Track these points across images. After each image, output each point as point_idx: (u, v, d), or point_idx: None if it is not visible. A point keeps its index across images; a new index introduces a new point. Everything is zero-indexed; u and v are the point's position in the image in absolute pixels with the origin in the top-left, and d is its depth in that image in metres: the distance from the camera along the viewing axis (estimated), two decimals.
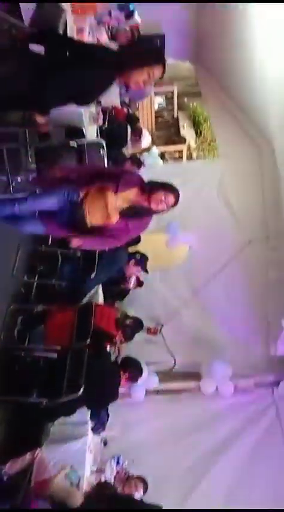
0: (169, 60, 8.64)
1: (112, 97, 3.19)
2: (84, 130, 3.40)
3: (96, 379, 3.16)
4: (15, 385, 3.23)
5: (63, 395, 3.00)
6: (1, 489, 2.63)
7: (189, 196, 6.24)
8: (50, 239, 3.90)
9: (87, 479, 3.36)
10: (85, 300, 4.01)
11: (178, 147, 10.34)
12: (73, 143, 3.33)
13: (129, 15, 5.09)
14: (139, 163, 5.84)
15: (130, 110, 6.27)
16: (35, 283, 3.94)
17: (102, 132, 4.41)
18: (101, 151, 3.45)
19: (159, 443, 4.33)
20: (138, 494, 3.54)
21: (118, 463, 3.92)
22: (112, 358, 3.92)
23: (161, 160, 7.88)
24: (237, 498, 4.02)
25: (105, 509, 2.86)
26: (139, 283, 4.78)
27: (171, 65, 9.91)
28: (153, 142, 7.96)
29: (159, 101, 10.40)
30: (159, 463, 4.13)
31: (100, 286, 4.28)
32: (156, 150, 7.68)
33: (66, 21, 3.24)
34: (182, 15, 7.24)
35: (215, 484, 4.13)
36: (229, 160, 6.65)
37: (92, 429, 3.72)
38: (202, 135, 11.05)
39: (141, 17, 5.85)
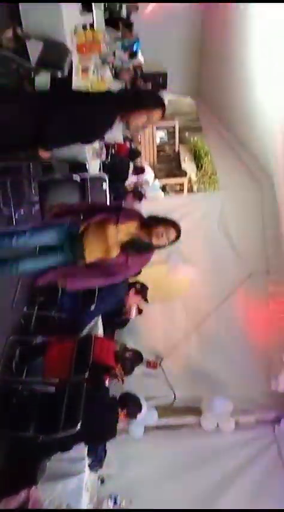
0: (171, 96, 8.93)
1: (115, 133, 3.27)
2: (87, 165, 3.47)
3: (94, 414, 3.11)
4: (11, 419, 3.17)
5: (60, 431, 2.94)
6: None
7: (190, 228, 6.28)
8: None
9: None
10: (84, 332, 3.98)
11: (179, 180, 10.52)
12: (76, 177, 3.39)
13: (133, 55, 5.27)
14: (140, 196, 5.94)
15: (132, 145, 6.41)
16: (35, 314, 3.93)
17: (104, 166, 4.50)
18: (104, 185, 3.51)
19: (158, 481, 4.20)
20: None
21: (115, 502, 3.79)
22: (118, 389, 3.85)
23: (162, 193, 8.00)
24: None
25: None
26: (139, 311, 4.76)
27: (172, 101, 10.24)
28: (155, 176, 8.11)
29: (160, 135, 10.66)
30: (158, 502, 3.99)
31: (100, 317, 4.26)
32: (157, 183, 7.80)
33: (72, 60, 3.36)
34: (184, 53, 7.53)
35: None
36: (229, 194, 6.74)
37: (89, 466, 3.62)
38: (203, 168, 11.26)
39: (145, 55, 6.09)
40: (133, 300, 4.51)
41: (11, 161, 3.28)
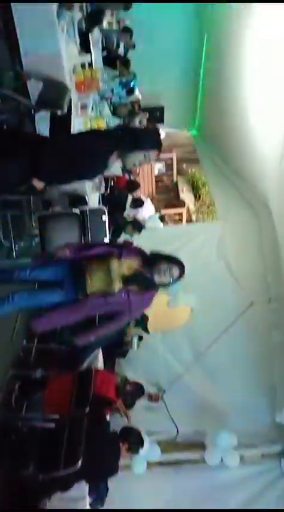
0: (168, 129, 9.15)
1: (113, 168, 3.34)
2: (86, 198, 3.53)
3: (95, 451, 3.04)
4: (10, 456, 3.10)
5: (61, 469, 2.86)
6: None
7: (190, 257, 6.31)
8: None
9: None
10: (85, 365, 3.94)
11: (178, 210, 10.62)
12: (76, 210, 3.44)
13: (130, 91, 5.44)
14: (140, 227, 5.99)
15: (131, 177, 6.52)
16: (34, 347, 3.90)
17: (104, 198, 4.57)
18: (103, 218, 3.55)
19: None
20: None
21: None
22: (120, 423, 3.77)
23: (161, 223, 8.06)
24: None
25: None
26: (139, 338, 4.74)
27: (169, 133, 10.47)
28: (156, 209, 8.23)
29: (159, 166, 10.84)
30: None
31: (100, 349, 4.22)
32: (156, 214, 7.88)
33: (71, 98, 3.47)
34: (180, 89, 7.78)
35: None
36: (227, 223, 6.81)
37: (90, 505, 3.51)
38: (201, 198, 11.39)
39: (142, 90, 6.29)
40: (133, 332, 4.49)
41: (12, 195, 3.33)
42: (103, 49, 4.83)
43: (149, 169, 9.93)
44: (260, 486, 4.23)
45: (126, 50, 6.31)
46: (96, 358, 4.11)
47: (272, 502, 4.13)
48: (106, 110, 4.63)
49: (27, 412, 3.36)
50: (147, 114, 6.24)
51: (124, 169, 6.04)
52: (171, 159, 11.04)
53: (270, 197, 4.88)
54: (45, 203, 3.72)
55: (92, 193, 3.84)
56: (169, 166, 11.14)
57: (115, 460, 3.31)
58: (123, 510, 3.59)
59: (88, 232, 3.58)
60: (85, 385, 3.36)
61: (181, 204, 10.86)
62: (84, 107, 3.75)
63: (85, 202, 3.58)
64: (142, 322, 4.68)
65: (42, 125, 3.42)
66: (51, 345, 3.87)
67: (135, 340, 4.80)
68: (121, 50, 6.14)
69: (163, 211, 9.72)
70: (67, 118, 3.38)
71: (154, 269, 2.55)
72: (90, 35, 4.14)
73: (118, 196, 5.37)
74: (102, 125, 3.93)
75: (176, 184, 11.46)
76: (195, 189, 11.66)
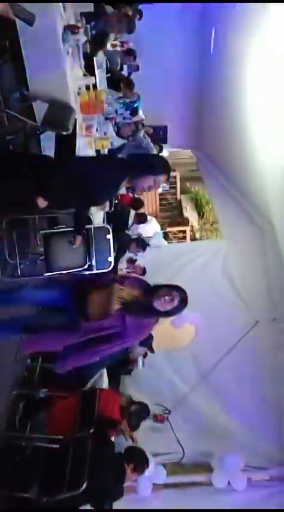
0: (171, 149, 9.25)
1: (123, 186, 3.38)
2: (91, 217, 3.55)
3: (100, 472, 2.98)
4: (13, 478, 3.04)
5: (65, 491, 2.81)
6: None
7: (194, 275, 6.32)
8: None
9: None
10: (89, 385, 3.90)
11: (182, 228, 10.66)
12: None
13: (134, 112, 5.52)
14: (144, 244, 6.00)
15: (135, 195, 6.57)
16: (39, 367, 3.87)
17: (108, 216, 4.60)
18: (107, 236, 3.57)
19: None
20: None
21: None
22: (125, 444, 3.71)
23: (165, 241, 8.08)
24: None
25: None
26: (144, 355, 4.70)
27: (173, 152, 10.58)
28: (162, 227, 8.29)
29: (162, 185, 10.93)
30: None
31: (105, 369, 4.18)
32: (160, 232, 7.91)
33: (76, 119, 3.52)
34: (184, 109, 7.90)
35: None
36: (232, 241, 6.82)
37: None
38: (205, 216, 11.44)
39: (146, 110, 6.39)
40: (138, 352, 4.46)
41: (17, 214, 3.35)
42: (107, 71, 4.92)
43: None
44: (269, 510, 4.13)
45: (130, 72, 6.44)
46: (100, 378, 4.07)
47: None
48: (111, 131, 4.70)
49: (31, 432, 3.32)
50: (151, 130, 6.32)
51: (129, 188, 6.10)
52: (175, 177, 11.13)
53: (274, 214, 4.88)
54: (50, 221, 3.74)
55: (97, 212, 3.87)
56: (172, 184, 11.23)
57: (120, 482, 3.25)
58: (123, 510, 3.48)
59: (92, 251, 3.59)
60: (90, 406, 3.33)
61: (185, 222, 10.91)
62: (88, 128, 3.80)
63: (90, 221, 3.60)
64: (147, 341, 4.65)
65: (48, 145, 3.47)
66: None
67: (140, 359, 4.76)
68: (125, 72, 6.26)
69: (168, 229, 9.78)
70: (72, 139, 3.43)
71: (154, 296, 2.53)
72: (94, 57, 4.23)
73: (121, 211, 5.41)
74: (107, 144, 3.98)
75: (180, 203, 11.54)
76: (199, 207, 11.73)
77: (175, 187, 11.39)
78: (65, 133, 3.21)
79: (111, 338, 2.54)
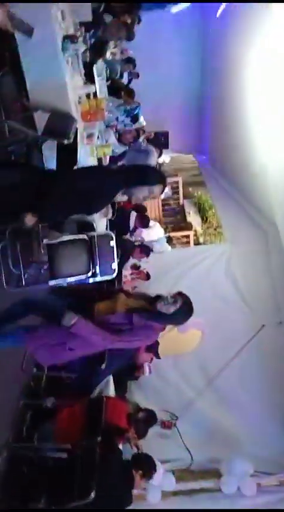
0: (173, 154, 9.29)
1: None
2: (94, 225, 3.56)
3: (108, 481, 2.97)
4: (22, 489, 3.04)
5: (74, 501, 2.80)
6: None
7: (198, 280, 6.31)
8: None
9: None
10: (96, 393, 3.89)
11: (185, 232, 10.67)
12: (83, 236, 3.47)
13: (135, 119, 5.55)
14: (147, 250, 6.01)
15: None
16: (45, 375, 3.87)
17: (111, 224, 4.61)
18: (111, 243, 3.58)
19: None
20: None
21: None
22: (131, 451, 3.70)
23: (169, 247, 8.09)
24: None
25: None
26: (150, 361, 4.70)
27: (174, 158, 10.62)
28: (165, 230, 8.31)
29: (165, 190, 10.96)
30: None
31: (111, 376, 4.17)
32: (163, 237, 7.93)
33: (77, 128, 3.54)
34: (185, 114, 7.93)
35: None
36: (235, 244, 6.81)
37: None
38: (208, 221, 11.44)
39: (147, 116, 6.42)
40: (144, 358, 4.44)
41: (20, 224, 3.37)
42: (107, 79, 4.95)
43: None
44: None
45: (130, 79, 6.48)
46: (106, 385, 4.06)
47: None
48: (112, 138, 4.72)
49: (38, 441, 3.31)
50: (152, 134, 6.34)
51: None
52: (177, 182, 11.16)
53: (277, 215, 4.87)
54: (53, 229, 3.76)
55: (100, 219, 3.88)
56: (175, 189, 11.25)
57: (129, 490, 3.23)
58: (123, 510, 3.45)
59: (96, 258, 3.59)
60: (97, 414, 3.32)
61: (189, 226, 10.92)
62: (90, 136, 3.82)
63: (93, 229, 3.61)
64: (153, 347, 4.64)
65: (49, 154, 3.49)
66: (61, 373, 3.83)
67: (146, 365, 4.75)
68: (125, 79, 6.31)
69: (171, 234, 9.79)
70: (74, 147, 3.45)
71: (158, 300, 2.66)
72: (94, 66, 4.26)
73: (121, 215, 5.43)
74: (108, 152, 4.00)
75: (183, 208, 11.55)
76: (202, 212, 11.75)
77: (178, 193, 11.41)
78: (66, 142, 3.23)
79: (121, 332, 2.59)
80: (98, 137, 4.06)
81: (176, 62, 7.45)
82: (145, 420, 3.82)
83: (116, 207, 5.41)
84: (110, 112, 4.63)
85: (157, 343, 4.67)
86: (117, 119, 5.07)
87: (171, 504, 4.26)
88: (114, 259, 3.74)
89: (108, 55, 5.04)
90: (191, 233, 10.66)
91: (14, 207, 2.48)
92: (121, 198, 2.62)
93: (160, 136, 7.80)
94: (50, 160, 3.48)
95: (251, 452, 4.34)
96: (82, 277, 3.51)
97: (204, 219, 11.61)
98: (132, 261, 6.19)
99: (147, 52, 6.73)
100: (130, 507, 3.33)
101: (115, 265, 3.75)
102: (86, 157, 3.78)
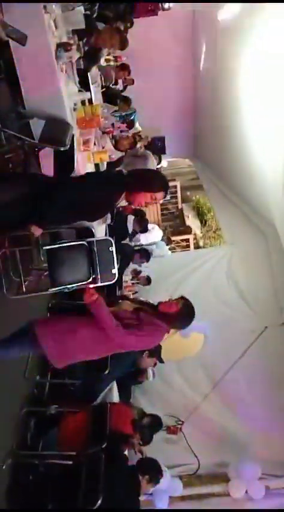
0: (170, 158, 9.31)
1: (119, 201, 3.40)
2: (93, 231, 3.56)
3: (114, 487, 2.94)
4: (28, 498, 3.01)
5: (80, 508, 2.77)
6: None
7: (200, 283, 6.31)
8: None
9: None
10: (99, 399, 3.87)
11: (185, 236, 10.68)
12: (83, 242, 3.47)
13: (131, 125, 5.56)
14: (147, 255, 6.00)
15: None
16: (48, 383, 3.85)
17: (110, 229, 4.61)
18: (110, 248, 3.57)
19: None
20: None
21: None
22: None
23: (169, 251, 8.09)
24: None
25: None
26: (154, 364, 4.68)
27: (171, 162, 10.65)
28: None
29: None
30: None
31: (115, 383, 4.15)
32: (163, 242, 7.92)
33: (73, 134, 3.54)
34: (180, 118, 7.96)
35: None
36: (235, 246, 6.81)
37: None
38: (207, 224, 11.46)
39: (143, 121, 6.44)
40: (147, 363, 4.42)
41: (20, 232, 3.37)
42: (102, 87, 4.97)
43: None
44: None
45: (125, 86, 6.51)
46: (110, 392, 4.04)
47: None
48: (109, 144, 4.73)
49: (43, 449, 3.29)
50: (148, 140, 6.35)
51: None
52: (175, 187, 11.19)
53: (275, 217, 4.87)
54: (52, 237, 3.75)
55: (99, 225, 3.88)
56: (173, 194, 11.28)
57: (136, 495, 3.20)
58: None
59: (96, 264, 3.59)
60: (101, 420, 3.29)
61: (188, 230, 10.93)
62: (86, 142, 3.82)
63: (92, 235, 3.61)
64: (156, 350, 4.62)
65: (47, 162, 3.49)
66: (65, 380, 3.82)
67: (150, 370, 4.73)
68: (119, 86, 6.33)
69: (171, 238, 9.80)
70: (70, 154, 3.45)
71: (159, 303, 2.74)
72: (88, 73, 4.27)
73: (119, 219, 5.43)
74: (105, 158, 4.00)
75: (181, 212, 11.58)
76: (201, 215, 11.76)
77: (176, 197, 11.43)
78: (62, 149, 3.23)
79: (128, 326, 2.59)
80: (95, 143, 4.06)
81: (170, 66, 7.51)
82: (150, 426, 3.80)
83: (115, 212, 5.41)
84: (106, 118, 4.64)
85: (160, 348, 4.65)
86: (112, 125, 5.08)
87: (179, 510, 4.24)
88: (114, 264, 3.73)
89: (102, 62, 5.06)
90: (191, 237, 10.67)
91: (16, 220, 2.49)
92: (122, 203, 2.61)
93: (157, 141, 7.82)
94: (48, 167, 3.48)
95: (258, 455, 4.32)
96: (83, 283, 3.51)
97: (203, 222, 11.63)
98: (132, 266, 6.18)
99: (141, 57, 6.78)
100: None
101: (115, 271, 3.74)
102: (83, 164, 3.78)
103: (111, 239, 3.70)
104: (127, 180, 2.63)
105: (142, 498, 3.44)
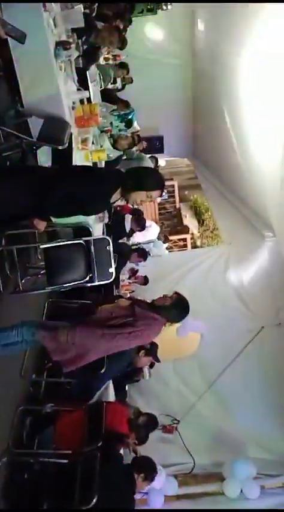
0: (168, 158, 9.31)
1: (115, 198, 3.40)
2: (91, 230, 3.56)
3: (110, 486, 2.94)
4: (23, 496, 3.01)
5: (75, 507, 2.78)
6: None
7: (197, 283, 6.31)
8: None
9: None
10: (95, 398, 3.87)
11: (182, 236, 10.70)
12: (80, 241, 3.47)
13: (129, 124, 5.56)
14: (145, 254, 6.01)
15: (134, 205, 6.58)
16: (44, 381, 3.85)
17: (107, 227, 4.61)
18: (107, 248, 3.57)
19: None
20: None
21: None
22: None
23: (166, 250, 8.09)
24: None
25: None
26: (151, 365, 4.67)
27: (170, 161, 10.65)
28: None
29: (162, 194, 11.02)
30: None
31: (111, 381, 4.15)
32: (160, 241, 7.93)
33: (71, 133, 3.55)
34: (179, 118, 7.96)
35: None
36: (232, 246, 6.81)
37: None
38: (205, 223, 11.48)
39: (141, 121, 6.44)
40: (143, 362, 4.42)
41: (17, 229, 3.37)
42: (101, 85, 4.97)
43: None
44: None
45: (124, 85, 6.51)
46: (106, 391, 4.04)
47: None
48: (107, 143, 4.72)
49: (38, 448, 3.29)
50: (144, 144, 6.35)
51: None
52: (173, 186, 11.20)
53: (272, 217, 4.88)
54: (50, 235, 3.75)
55: (96, 224, 3.88)
56: (171, 193, 11.29)
57: (131, 494, 3.21)
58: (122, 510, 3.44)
59: (93, 263, 3.59)
60: (97, 419, 3.29)
61: (185, 229, 10.95)
62: (84, 141, 3.82)
63: (90, 234, 3.61)
64: (152, 349, 4.62)
65: (45, 160, 3.49)
66: (61, 379, 3.82)
67: (146, 369, 4.72)
68: (118, 85, 6.33)
69: (168, 237, 9.82)
70: (68, 152, 3.45)
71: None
72: (87, 72, 4.27)
73: (116, 218, 5.44)
74: (103, 156, 4.00)
75: (179, 211, 11.59)
76: (198, 215, 11.78)
77: (174, 196, 11.44)
78: (60, 147, 3.23)
79: (123, 325, 2.68)
80: (93, 142, 4.06)
81: (168, 65, 7.50)
82: (146, 425, 3.80)
83: (112, 211, 5.41)
84: (104, 117, 4.64)
85: (156, 346, 4.65)
86: (111, 124, 5.08)
87: (174, 508, 4.25)
88: (111, 263, 3.73)
89: (101, 60, 5.06)
90: (188, 236, 10.69)
91: (17, 215, 2.50)
92: (119, 201, 2.62)
93: (155, 140, 7.83)
94: (45, 165, 3.48)
95: (253, 454, 4.33)
96: (80, 282, 3.51)
97: (201, 221, 11.65)
98: (129, 265, 6.18)
99: (139, 56, 6.78)
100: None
101: (112, 270, 3.74)
102: (81, 163, 3.78)
103: (108, 238, 3.71)
104: (123, 177, 2.64)
105: (137, 497, 3.45)
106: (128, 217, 5.98)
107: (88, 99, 4.09)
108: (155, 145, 7.72)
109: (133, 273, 6.31)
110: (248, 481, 4.17)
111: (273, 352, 4.78)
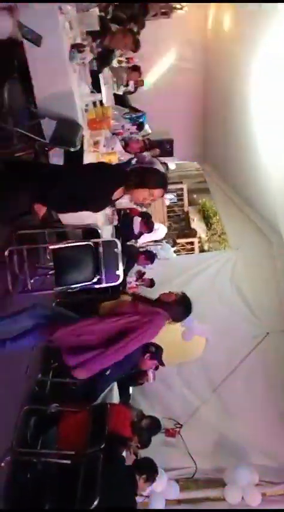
0: (178, 161, 9.30)
1: (124, 201, 3.42)
2: (100, 231, 3.58)
3: (112, 488, 2.95)
4: (26, 496, 3.03)
5: (77, 508, 2.79)
6: None
7: (203, 287, 6.30)
8: None
9: None
10: (100, 399, 3.88)
11: (190, 239, 10.69)
12: (89, 242, 3.50)
13: (140, 127, 5.58)
14: (152, 257, 6.01)
15: (143, 208, 6.59)
16: (49, 381, 3.87)
17: (116, 230, 4.63)
18: (116, 250, 3.59)
19: None
20: None
21: None
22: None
23: (174, 254, 8.09)
24: None
25: None
26: (156, 368, 4.68)
27: (179, 165, 10.65)
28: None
29: (170, 197, 10.99)
30: None
31: (116, 384, 4.16)
32: (168, 244, 7.93)
33: (83, 135, 3.57)
34: (189, 121, 7.96)
35: None
36: (240, 251, 6.80)
37: None
38: (212, 227, 11.46)
39: (152, 124, 6.45)
40: (148, 365, 4.42)
41: (27, 230, 3.40)
42: (113, 88, 5.00)
43: (160, 200, 10.06)
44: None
45: (136, 87, 6.53)
46: (110, 392, 4.04)
47: None
48: (118, 146, 4.74)
49: (42, 447, 3.30)
50: (157, 151, 6.36)
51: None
52: (182, 189, 11.20)
53: (281, 223, 4.87)
54: (59, 236, 3.78)
55: (105, 226, 3.90)
56: (180, 196, 11.29)
57: (133, 495, 3.21)
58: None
59: (101, 264, 3.61)
60: (101, 421, 3.30)
61: (193, 233, 10.94)
62: (96, 144, 3.85)
63: (98, 236, 3.63)
64: (158, 353, 4.63)
65: (57, 161, 3.52)
66: (66, 379, 3.83)
67: (150, 372, 4.72)
68: (131, 87, 6.35)
69: (176, 240, 9.82)
70: (80, 154, 3.47)
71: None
72: (100, 74, 4.29)
73: (125, 220, 5.46)
74: (114, 159, 4.02)
75: (187, 214, 11.59)
76: (206, 218, 11.76)
77: (183, 199, 11.45)
78: (72, 149, 3.26)
79: (127, 332, 2.66)
80: (104, 145, 4.08)
81: (180, 69, 7.51)
82: (149, 428, 3.80)
83: (122, 214, 5.43)
84: (116, 120, 4.66)
85: (161, 350, 4.66)
86: (122, 127, 5.11)
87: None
88: (118, 265, 3.75)
89: (114, 63, 5.08)
90: (196, 240, 10.68)
91: (22, 207, 2.53)
92: (124, 203, 2.64)
93: (166, 144, 7.82)
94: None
95: (256, 461, 4.32)
96: (88, 283, 3.53)
97: (209, 225, 11.63)
98: (136, 267, 6.19)
99: (151, 60, 6.79)
100: None
101: (120, 272, 3.76)
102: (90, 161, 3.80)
103: (116, 240, 3.73)
104: (127, 174, 2.67)
105: (139, 500, 3.45)
106: (137, 220, 5.99)
107: (101, 102, 4.11)
108: (166, 148, 7.72)
109: (140, 275, 6.32)
110: (249, 488, 4.15)
111: (277, 358, 4.77)
